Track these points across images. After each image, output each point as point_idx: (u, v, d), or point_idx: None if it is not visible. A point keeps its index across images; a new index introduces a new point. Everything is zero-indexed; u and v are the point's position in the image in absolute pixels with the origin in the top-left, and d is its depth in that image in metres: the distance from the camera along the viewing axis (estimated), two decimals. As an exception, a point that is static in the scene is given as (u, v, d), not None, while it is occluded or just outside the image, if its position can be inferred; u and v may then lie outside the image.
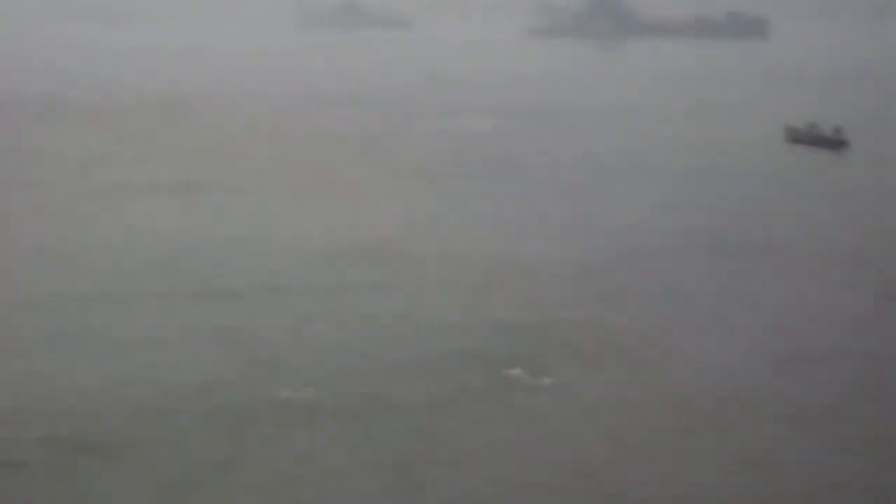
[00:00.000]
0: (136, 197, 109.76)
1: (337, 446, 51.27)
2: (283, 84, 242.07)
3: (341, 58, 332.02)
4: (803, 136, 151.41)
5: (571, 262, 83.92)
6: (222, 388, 57.78)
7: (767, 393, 57.91)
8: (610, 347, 64.46)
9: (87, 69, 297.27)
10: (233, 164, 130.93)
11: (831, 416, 55.21)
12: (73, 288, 76.53)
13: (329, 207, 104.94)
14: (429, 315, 70.14)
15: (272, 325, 68.18)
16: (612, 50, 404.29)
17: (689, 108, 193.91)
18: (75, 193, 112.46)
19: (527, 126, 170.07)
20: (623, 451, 51.04)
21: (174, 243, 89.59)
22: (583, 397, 57.14)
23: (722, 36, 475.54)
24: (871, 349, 64.79)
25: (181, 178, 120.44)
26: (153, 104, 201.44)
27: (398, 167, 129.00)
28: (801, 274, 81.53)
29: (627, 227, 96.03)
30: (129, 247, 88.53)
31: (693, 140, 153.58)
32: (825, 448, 51.60)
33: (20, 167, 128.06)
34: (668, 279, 79.61)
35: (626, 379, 59.76)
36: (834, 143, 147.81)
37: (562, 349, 63.86)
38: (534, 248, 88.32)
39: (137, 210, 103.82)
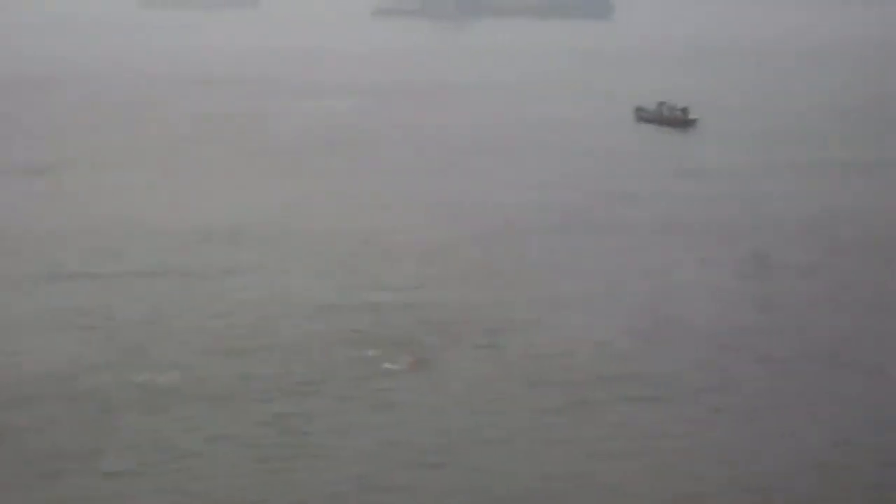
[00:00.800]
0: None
1: (198, 431, 51.06)
2: (132, 62, 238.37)
3: (189, 37, 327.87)
4: (653, 115, 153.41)
5: (436, 241, 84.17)
6: (87, 374, 57.08)
7: (628, 370, 58.76)
8: (475, 326, 64.80)
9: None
10: (90, 145, 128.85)
11: (686, 391, 56.22)
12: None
13: (192, 188, 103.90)
14: (295, 296, 69.88)
15: (136, 308, 67.43)
16: (458, 30, 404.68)
17: (541, 88, 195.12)
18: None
19: (384, 104, 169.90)
20: (481, 431, 51.47)
21: (30, 225, 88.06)
22: (446, 377, 57.45)
23: (568, 17, 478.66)
24: (732, 324, 66.05)
25: (42, 157, 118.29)
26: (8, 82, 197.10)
27: (259, 146, 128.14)
28: (658, 250, 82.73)
29: (489, 206, 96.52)
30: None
31: (547, 119, 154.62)
32: (678, 421, 52.50)
33: None
34: (532, 256, 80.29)
35: (489, 357, 60.17)
36: (682, 121, 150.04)
37: (428, 328, 64.05)
38: (399, 227, 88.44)
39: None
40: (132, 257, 79.17)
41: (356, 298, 69.78)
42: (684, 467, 48.28)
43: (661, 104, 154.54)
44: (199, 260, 78.47)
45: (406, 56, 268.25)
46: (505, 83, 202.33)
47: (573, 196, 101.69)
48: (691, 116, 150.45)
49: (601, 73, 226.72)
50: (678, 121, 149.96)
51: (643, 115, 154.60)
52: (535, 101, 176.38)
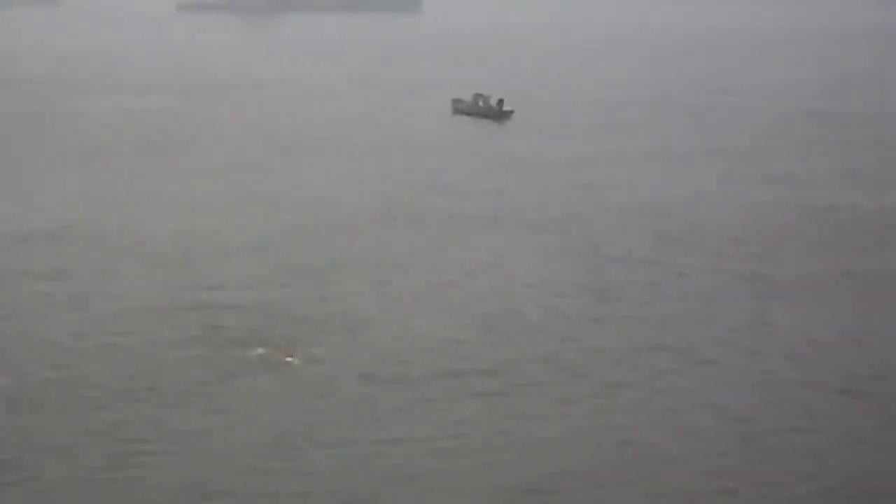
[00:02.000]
0: None
1: (39, 439, 49.10)
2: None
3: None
4: (469, 107, 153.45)
5: (259, 239, 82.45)
6: None
7: (471, 363, 58.10)
8: (309, 324, 63.49)
9: None
10: None
11: (530, 384, 55.74)
12: None
13: (2, 189, 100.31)
14: (125, 297, 67.78)
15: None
16: (265, 25, 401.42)
17: (352, 83, 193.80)
18: None
19: (193, 102, 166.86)
20: (316, 432, 50.33)
21: None
22: (284, 378, 56.15)
23: (376, 10, 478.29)
24: (571, 315, 65.81)
25: None
26: None
27: (70, 146, 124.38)
28: (487, 242, 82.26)
29: (309, 202, 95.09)
30: None
31: (363, 113, 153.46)
32: (513, 419, 51.93)
33: None
34: (360, 252, 79.11)
35: (326, 356, 58.93)
36: (498, 113, 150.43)
37: (264, 327, 62.61)
38: (219, 226, 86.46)
39: None
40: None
41: (186, 299, 67.80)
42: (523, 461, 47.64)
43: (478, 96, 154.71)
44: (21, 262, 75.68)
45: (212, 52, 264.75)
46: (315, 79, 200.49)
47: (395, 190, 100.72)
48: (507, 108, 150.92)
49: (414, 66, 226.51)
50: (495, 112, 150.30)
51: (460, 108, 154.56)
52: (346, 96, 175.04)
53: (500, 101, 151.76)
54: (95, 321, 63.79)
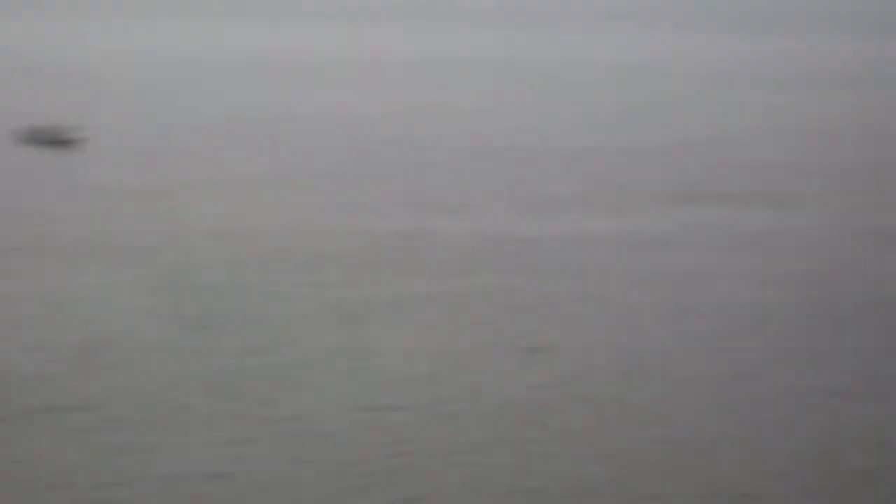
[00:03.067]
0: None
1: None
2: None
3: None
4: (40, 135, 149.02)
5: None
6: None
7: (63, 398, 55.95)
8: None
9: None
10: None
11: (125, 418, 54.13)
12: None
13: None
14: None
15: None
16: None
17: None
18: None
19: None
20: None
21: None
22: None
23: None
24: (166, 345, 64.34)
25: None
26: None
27: None
28: (73, 271, 79.69)
29: None
30: None
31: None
32: (109, 455, 50.34)
33: None
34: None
35: None
36: (69, 141, 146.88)
37: None
38: None
39: None
40: None
41: None
42: (117, 499, 46.03)
43: (45, 125, 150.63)
44: None
45: None
46: None
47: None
48: (77, 137, 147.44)
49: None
50: (64, 140, 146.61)
51: (26, 136, 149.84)
52: None
53: (72, 128, 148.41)
54: None
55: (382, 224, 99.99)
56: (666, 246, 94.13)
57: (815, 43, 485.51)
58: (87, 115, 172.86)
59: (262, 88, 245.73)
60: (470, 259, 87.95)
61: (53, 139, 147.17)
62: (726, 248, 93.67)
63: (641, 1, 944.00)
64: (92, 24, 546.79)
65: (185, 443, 51.50)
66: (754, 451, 51.19)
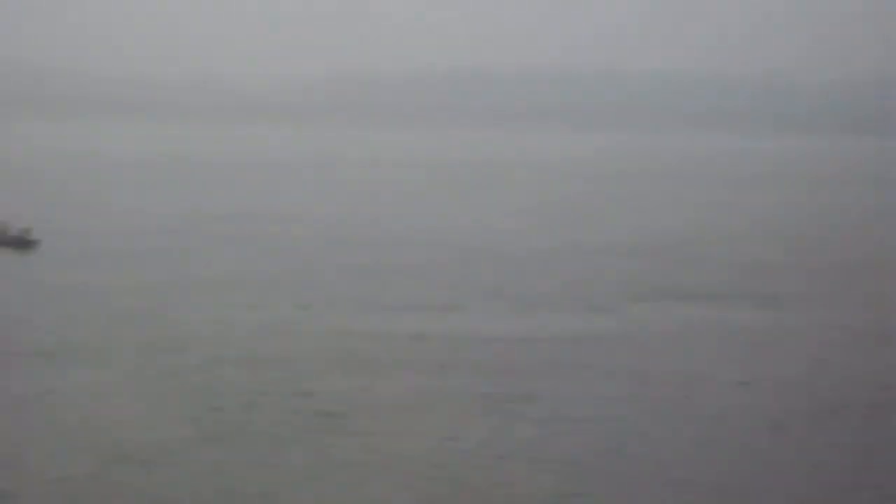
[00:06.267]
0: None
1: None
2: None
3: None
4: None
5: None
6: None
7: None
8: None
9: None
10: None
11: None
12: None
13: None
14: None
15: None
16: None
17: None
18: None
19: None
20: None
21: None
22: None
23: None
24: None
25: None
26: None
27: None
28: (34, 372, 76.36)
29: None
30: None
31: None
32: None
33: None
34: None
35: None
36: (22, 242, 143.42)
37: None
38: None
39: None
40: None
41: None
42: None
43: (1, 223, 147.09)
44: None
45: None
46: None
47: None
48: (32, 237, 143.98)
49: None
50: (18, 241, 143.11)
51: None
52: None
53: (26, 230, 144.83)
54: None
55: (361, 325, 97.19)
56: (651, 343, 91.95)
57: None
58: (42, 216, 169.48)
59: (212, 188, 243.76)
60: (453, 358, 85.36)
61: (6, 240, 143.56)
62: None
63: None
64: (35, 125, 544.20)
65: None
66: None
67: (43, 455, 61.35)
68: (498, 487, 57.88)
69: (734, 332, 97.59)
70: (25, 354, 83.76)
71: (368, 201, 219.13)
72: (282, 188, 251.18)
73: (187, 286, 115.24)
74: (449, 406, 72.41)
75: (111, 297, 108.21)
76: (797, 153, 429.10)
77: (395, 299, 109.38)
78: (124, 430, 66.01)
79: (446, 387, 77.10)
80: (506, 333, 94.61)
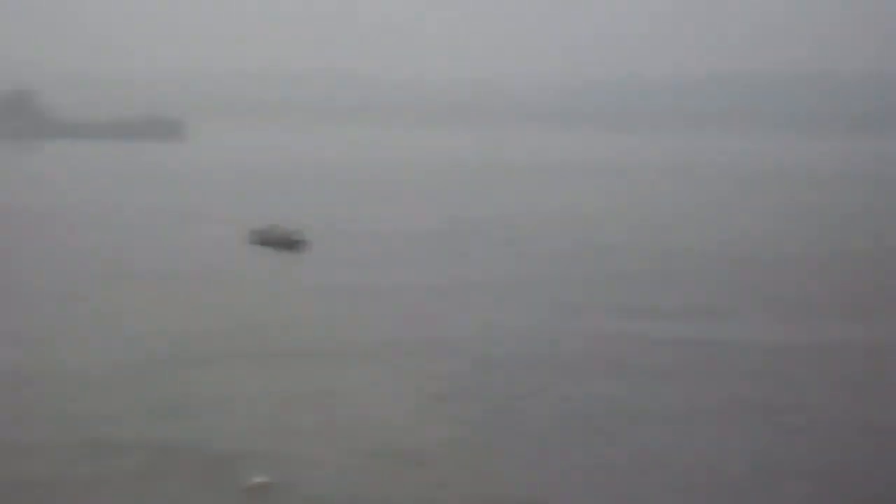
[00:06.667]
0: None
1: None
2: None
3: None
4: (265, 237, 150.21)
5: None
6: None
7: None
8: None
9: None
10: None
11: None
12: None
13: None
14: None
15: None
16: (30, 151, 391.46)
17: (134, 213, 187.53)
18: None
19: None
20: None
21: None
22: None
23: (142, 138, 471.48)
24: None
25: None
26: None
27: None
28: (313, 371, 78.56)
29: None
30: None
31: (146, 246, 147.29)
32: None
33: None
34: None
35: None
36: (293, 243, 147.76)
37: None
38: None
39: None
40: None
41: None
42: None
43: (274, 226, 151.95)
44: None
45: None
46: (91, 211, 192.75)
47: (197, 324, 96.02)
48: (301, 238, 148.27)
49: (192, 195, 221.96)
50: (289, 242, 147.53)
51: (257, 238, 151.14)
52: (126, 228, 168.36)
53: (296, 231, 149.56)
54: None
55: (627, 328, 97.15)
56: None
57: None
58: (318, 218, 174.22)
59: (477, 191, 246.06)
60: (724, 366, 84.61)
61: (278, 241, 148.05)
62: None
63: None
64: (328, 130, 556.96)
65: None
66: None
67: (317, 450, 63.11)
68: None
69: None
70: (298, 354, 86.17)
71: (633, 206, 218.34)
72: (548, 191, 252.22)
73: (456, 287, 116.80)
74: (717, 416, 71.93)
75: (380, 297, 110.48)
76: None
77: (659, 304, 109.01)
78: (393, 428, 67.41)
79: (717, 395, 76.62)
80: (774, 341, 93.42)
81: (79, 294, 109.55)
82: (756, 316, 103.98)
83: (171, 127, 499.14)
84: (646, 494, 58.10)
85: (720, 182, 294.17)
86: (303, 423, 68.48)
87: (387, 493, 57.32)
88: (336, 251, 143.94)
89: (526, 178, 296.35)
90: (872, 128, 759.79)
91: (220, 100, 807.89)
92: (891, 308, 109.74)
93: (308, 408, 71.69)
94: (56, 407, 70.39)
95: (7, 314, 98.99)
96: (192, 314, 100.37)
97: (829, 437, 67.74)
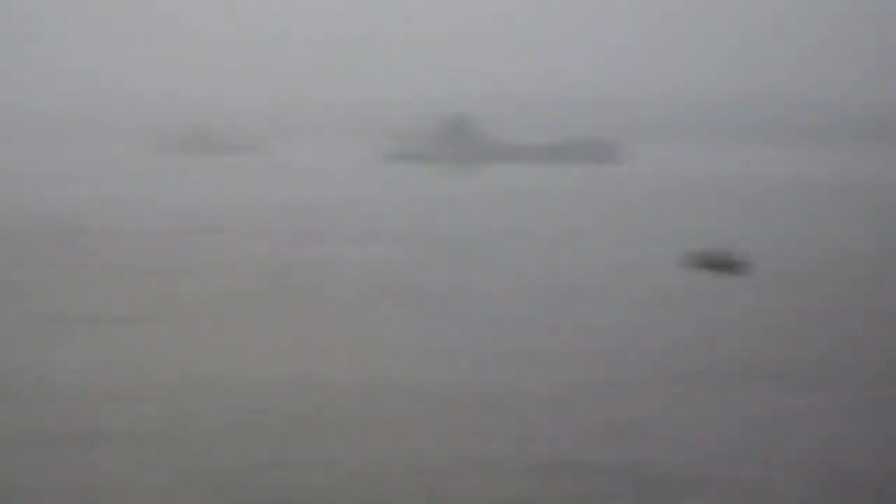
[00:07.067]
0: None
1: None
2: (146, 211, 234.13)
3: (197, 184, 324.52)
4: (705, 259, 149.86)
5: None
6: None
7: None
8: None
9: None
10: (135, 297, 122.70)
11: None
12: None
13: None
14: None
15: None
16: (472, 174, 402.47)
17: (578, 233, 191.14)
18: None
19: (423, 253, 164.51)
20: None
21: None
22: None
23: (576, 161, 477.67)
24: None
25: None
26: None
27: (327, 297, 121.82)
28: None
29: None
30: None
31: (595, 266, 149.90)
32: None
33: None
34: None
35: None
36: (734, 265, 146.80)
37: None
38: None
39: None
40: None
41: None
42: None
43: (711, 248, 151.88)
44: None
45: (424, 201, 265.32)
46: (544, 232, 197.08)
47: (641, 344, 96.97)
48: (742, 259, 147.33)
49: (628, 217, 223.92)
50: (730, 264, 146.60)
51: (694, 260, 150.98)
52: (569, 249, 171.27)
53: (732, 252, 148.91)
54: None
55: None
56: None
57: None
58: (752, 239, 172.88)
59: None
60: None
61: (719, 264, 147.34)
62: None
63: None
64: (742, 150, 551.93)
65: None
66: None
67: (777, 476, 62.56)
68: None
69: None
70: (754, 377, 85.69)
71: None
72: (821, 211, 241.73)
73: None
74: None
75: (830, 321, 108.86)
76: None
77: None
78: (856, 454, 66.16)
79: None
80: None
81: (539, 314, 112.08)
82: None
83: (606, 150, 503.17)
84: None
85: None
86: (758, 447, 67.98)
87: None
88: (778, 273, 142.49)
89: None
90: None
91: (653, 123, 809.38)
92: None
93: (763, 431, 71.13)
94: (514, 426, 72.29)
95: (486, 331, 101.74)
96: (632, 335, 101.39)
97: None
